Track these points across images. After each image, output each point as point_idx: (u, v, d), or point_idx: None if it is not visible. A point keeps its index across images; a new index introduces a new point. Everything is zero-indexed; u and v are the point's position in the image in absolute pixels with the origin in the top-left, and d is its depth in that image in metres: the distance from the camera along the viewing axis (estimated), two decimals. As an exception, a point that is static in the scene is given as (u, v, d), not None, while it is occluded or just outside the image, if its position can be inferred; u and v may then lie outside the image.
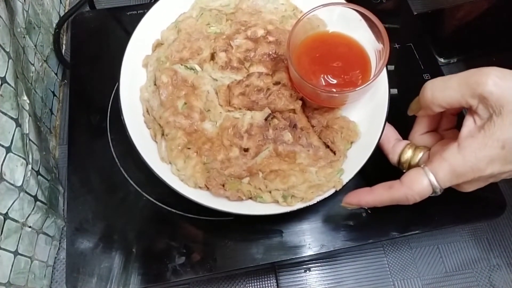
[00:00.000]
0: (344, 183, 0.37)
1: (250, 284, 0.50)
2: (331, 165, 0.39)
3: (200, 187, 0.39)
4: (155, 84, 0.43)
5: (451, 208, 0.45)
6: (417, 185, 0.33)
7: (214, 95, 0.42)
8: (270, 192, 0.38)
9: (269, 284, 0.50)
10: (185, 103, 0.41)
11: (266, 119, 0.40)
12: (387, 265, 0.51)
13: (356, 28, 0.39)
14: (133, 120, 0.40)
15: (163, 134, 0.40)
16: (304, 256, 0.43)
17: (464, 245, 0.53)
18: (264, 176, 0.38)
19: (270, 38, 0.44)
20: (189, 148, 0.39)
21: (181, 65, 0.43)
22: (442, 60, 0.63)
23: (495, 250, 0.52)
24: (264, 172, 0.39)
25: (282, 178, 0.38)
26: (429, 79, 0.52)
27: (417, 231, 0.45)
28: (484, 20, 0.66)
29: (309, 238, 0.43)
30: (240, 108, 0.41)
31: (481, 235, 0.53)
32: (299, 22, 0.38)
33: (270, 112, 0.41)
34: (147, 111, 0.42)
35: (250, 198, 0.38)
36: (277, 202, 0.38)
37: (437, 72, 0.54)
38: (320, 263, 0.51)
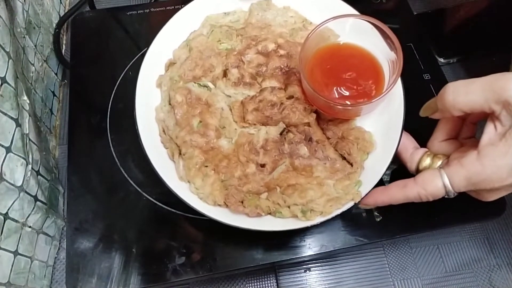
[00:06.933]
0: (363, 195, 0.37)
1: (250, 284, 0.50)
2: (349, 177, 0.38)
3: (219, 205, 0.39)
4: (169, 104, 0.43)
5: (451, 208, 0.45)
6: (431, 186, 0.33)
7: (228, 112, 0.42)
8: (289, 207, 0.38)
9: (269, 284, 0.50)
10: (200, 121, 0.41)
11: (281, 134, 0.40)
12: (387, 265, 0.51)
13: (368, 37, 0.38)
14: (150, 141, 0.41)
15: (180, 154, 0.40)
16: (304, 256, 0.43)
17: (464, 245, 0.53)
18: (281, 191, 0.38)
19: (281, 52, 0.44)
20: (206, 166, 0.39)
21: (195, 83, 0.43)
22: (442, 60, 0.63)
23: (495, 250, 0.52)
24: (281, 187, 0.38)
25: (300, 193, 0.37)
26: (429, 79, 0.53)
27: (417, 231, 0.45)
28: (484, 20, 0.66)
29: (309, 238, 0.43)
30: (254, 124, 0.41)
31: (481, 235, 0.53)
32: (310, 36, 0.38)
33: (284, 126, 0.40)
34: (163, 131, 0.42)
35: (269, 213, 0.38)
36: (296, 216, 0.37)
37: (437, 72, 0.54)
38: (320, 263, 0.51)
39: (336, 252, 0.46)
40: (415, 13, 0.61)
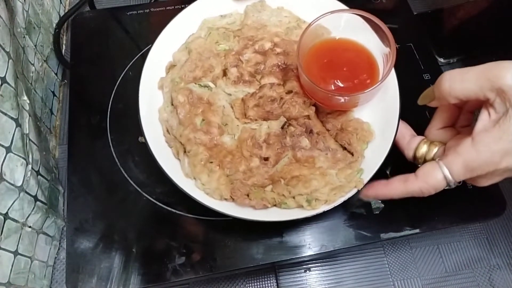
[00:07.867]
0: (365, 182, 0.37)
1: (250, 284, 0.50)
2: (350, 166, 0.39)
3: (225, 199, 0.39)
4: (172, 104, 0.44)
5: (451, 208, 0.45)
6: (432, 179, 0.33)
7: (230, 109, 0.43)
8: (293, 197, 0.38)
9: (269, 284, 0.50)
10: (203, 120, 0.42)
11: (282, 127, 0.41)
12: (387, 265, 0.51)
13: (362, 32, 0.39)
14: (155, 141, 0.42)
15: (185, 151, 0.41)
16: (304, 256, 0.43)
17: (464, 245, 0.53)
18: (286, 182, 0.39)
19: (278, 50, 0.45)
20: (211, 162, 0.40)
21: (195, 83, 0.44)
22: (442, 60, 0.63)
23: (495, 250, 0.52)
24: (285, 178, 0.39)
25: (304, 183, 0.38)
26: (429, 79, 0.53)
27: (417, 231, 0.45)
28: (484, 20, 0.66)
29: (309, 238, 0.43)
30: (256, 119, 0.42)
31: (481, 235, 0.53)
32: (306, 31, 0.39)
33: (285, 120, 0.41)
34: (167, 130, 0.43)
35: (275, 205, 0.39)
36: (301, 206, 0.38)
37: (437, 72, 0.54)
38: (320, 263, 0.51)
39: (336, 252, 0.46)
40: (415, 13, 0.61)
